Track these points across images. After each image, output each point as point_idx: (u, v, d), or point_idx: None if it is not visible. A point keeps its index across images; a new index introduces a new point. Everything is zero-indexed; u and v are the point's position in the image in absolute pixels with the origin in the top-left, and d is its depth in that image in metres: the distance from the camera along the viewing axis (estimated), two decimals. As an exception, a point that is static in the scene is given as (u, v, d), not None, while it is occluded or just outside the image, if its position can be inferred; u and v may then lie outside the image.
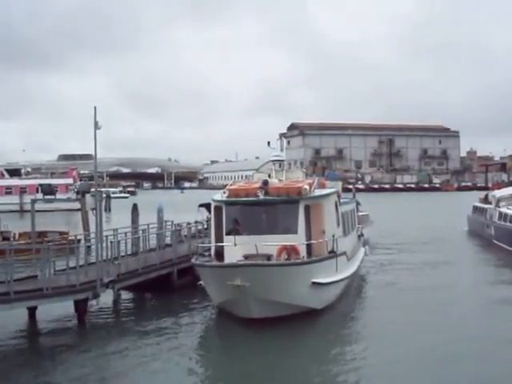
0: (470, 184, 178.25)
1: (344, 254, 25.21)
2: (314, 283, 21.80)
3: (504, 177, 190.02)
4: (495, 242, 44.07)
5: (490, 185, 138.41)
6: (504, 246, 41.59)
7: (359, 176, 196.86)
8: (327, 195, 24.90)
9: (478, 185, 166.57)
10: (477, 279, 31.52)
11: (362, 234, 34.90)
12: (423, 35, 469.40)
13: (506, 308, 24.80)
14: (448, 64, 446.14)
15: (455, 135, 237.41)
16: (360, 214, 41.02)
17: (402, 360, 17.67)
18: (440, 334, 20.49)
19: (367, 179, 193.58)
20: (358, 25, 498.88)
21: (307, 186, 23.78)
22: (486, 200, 52.92)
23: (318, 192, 24.52)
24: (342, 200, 28.21)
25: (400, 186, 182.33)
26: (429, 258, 37.86)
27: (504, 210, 43.76)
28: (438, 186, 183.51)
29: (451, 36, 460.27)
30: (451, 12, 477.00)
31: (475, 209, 54.58)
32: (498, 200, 46.52)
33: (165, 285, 26.96)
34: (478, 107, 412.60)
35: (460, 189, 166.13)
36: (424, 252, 41.27)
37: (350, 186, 67.35)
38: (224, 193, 24.27)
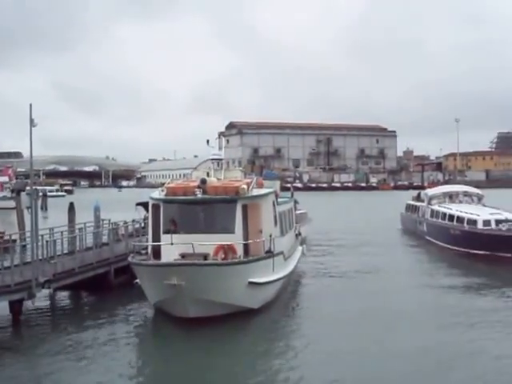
0: (406, 183, 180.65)
1: (281, 253, 25.30)
2: (250, 283, 21.89)
3: (440, 176, 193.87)
4: (427, 238, 46.42)
5: (425, 184, 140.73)
6: (436, 241, 43.97)
7: (297, 175, 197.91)
8: (265, 195, 24.97)
9: (415, 184, 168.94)
10: (412, 278, 32.19)
11: (299, 233, 35.07)
12: (361, 34, 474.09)
13: (432, 304, 25.66)
14: (386, 64, 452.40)
15: (392, 135, 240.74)
16: (298, 212, 41.35)
17: (337, 357, 17.91)
18: (376, 330, 20.88)
19: (305, 178, 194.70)
20: (298, 25, 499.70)
21: (245, 186, 23.81)
22: (418, 198, 54.82)
23: (255, 191, 24.56)
24: (279, 199, 28.29)
25: (337, 184, 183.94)
26: (364, 257, 38.84)
27: (436, 207, 46.56)
28: (374, 185, 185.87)
29: (389, 36, 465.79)
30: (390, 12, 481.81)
31: (408, 207, 56.53)
32: (430, 198, 49.38)
33: (102, 284, 26.74)
34: (415, 107, 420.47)
35: (396, 188, 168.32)
36: (360, 250, 42.02)
37: (288, 185, 67.83)
38: (162, 191, 24.22)
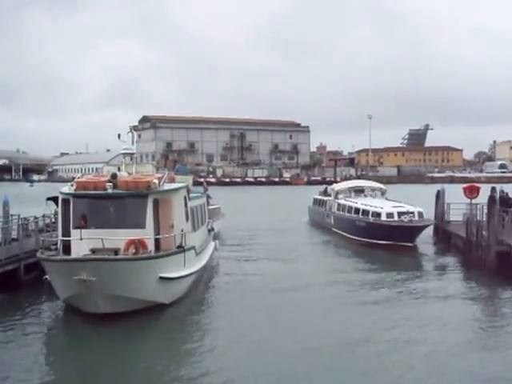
0: (319, 178, 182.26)
1: (193, 248, 25.40)
2: (161, 278, 21.90)
3: (352, 171, 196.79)
4: (334, 230, 49.09)
5: (338, 179, 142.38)
6: (342, 233, 46.78)
7: (211, 169, 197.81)
8: (176, 189, 24.99)
9: (327, 179, 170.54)
10: (322, 267, 33.82)
11: (212, 229, 35.19)
12: (282, 31, 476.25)
13: (342, 294, 26.54)
14: (302, 61, 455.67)
15: (305, 130, 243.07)
16: (211, 207, 41.49)
17: (249, 352, 18.12)
18: (287, 325, 21.18)
19: (219, 173, 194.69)
20: (217, 18, 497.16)
21: (156, 180, 23.78)
22: (325, 193, 57.74)
23: (167, 186, 24.57)
24: (191, 194, 28.34)
25: (251, 179, 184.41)
26: (275, 250, 39.68)
27: (342, 201, 49.32)
28: (288, 179, 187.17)
29: (309, 35, 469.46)
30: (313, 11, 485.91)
31: (315, 201, 59.49)
32: (337, 192, 52.18)
33: (11, 281, 26.07)
34: (329, 104, 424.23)
35: (310, 183, 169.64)
36: (271, 244, 42.69)
37: (202, 180, 67.75)
38: (72, 186, 23.86)
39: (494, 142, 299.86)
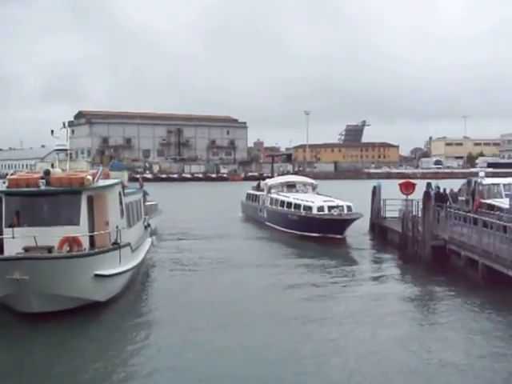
0: (256, 174, 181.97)
1: (128, 245, 25.01)
2: (96, 275, 21.51)
3: (289, 167, 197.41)
4: (267, 223, 50.85)
5: (275, 175, 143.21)
6: (275, 226, 48.49)
7: (147, 165, 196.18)
8: (111, 186, 24.65)
9: (265, 175, 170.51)
10: (257, 260, 34.81)
11: (148, 225, 34.87)
12: (222, 25, 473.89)
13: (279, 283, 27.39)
14: (241, 55, 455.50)
15: (243, 126, 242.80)
16: (148, 204, 41.26)
17: (186, 349, 17.97)
18: (223, 319, 21.19)
19: (155, 169, 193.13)
20: (157, 11, 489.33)
21: (90, 177, 23.39)
22: (258, 188, 59.16)
23: (101, 182, 24.25)
24: (127, 190, 28.09)
25: (188, 175, 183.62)
26: (211, 244, 41.02)
27: (275, 196, 51.08)
28: (225, 175, 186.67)
29: (248, 29, 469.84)
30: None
31: (248, 196, 60.84)
32: (270, 188, 53.89)
33: None
34: (266, 99, 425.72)
35: (247, 178, 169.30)
36: (207, 238, 43.60)
37: (138, 176, 67.12)
38: (4, 183, 23.36)
39: (430, 138, 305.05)
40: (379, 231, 43.30)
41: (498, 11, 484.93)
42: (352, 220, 42.47)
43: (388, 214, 43.82)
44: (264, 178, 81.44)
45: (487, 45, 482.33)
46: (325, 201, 45.11)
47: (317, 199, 46.30)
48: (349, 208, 43.25)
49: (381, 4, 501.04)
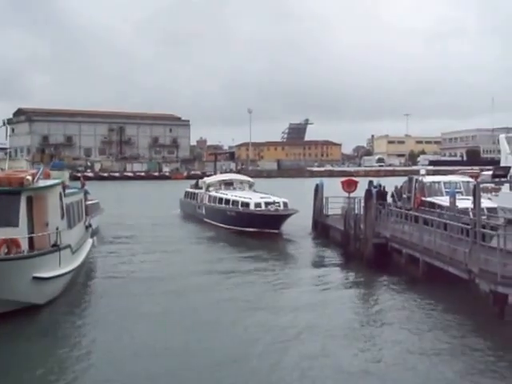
0: (199, 172, 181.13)
1: (68, 246, 24.58)
2: (35, 278, 21.07)
3: (232, 165, 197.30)
4: (206, 220, 52.42)
5: (218, 173, 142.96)
6: (214, 222, 49.96)
7: (89, 164, 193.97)
8: (51, 186, 24.18)
9: (208, 173, 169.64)
10: (198, 257, 36.21)
11: (90, 225, 34.43)
12: (166, 23, 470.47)
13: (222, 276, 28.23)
14: (185, 53, 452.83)
15: (186, 124, 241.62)
16: (89, 203, 40.77)
17: (127, 351, 17.79)
18: (169, 322, 21.04)
19: (97, 167, 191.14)
20: (102, 8, 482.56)
21: (30, 177, 22.92)
22: (196, 186, 61.00)
23: (41, 183, 23.83)
24: (68, 191, 27.61)
25: (130, 174, 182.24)
26: (152, 242, 41.15)
27: (213, 193, 52.93)
28: (167, 174, 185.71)
29: (191, 28, 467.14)
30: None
31: (187, 194, 62.81)
32: (208, 185, 55.72)
33: None
34: (210, 97, 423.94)
35: (190, 177, 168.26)
36: (148, 237, 44.01)
37: (79, 175, 66.37)
38: None
39: (372, 136, 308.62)
40: (322, 229, 43.58)
41: (444, 11, 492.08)
42: (288, 215, 44.16)
43: (330, 212, 44.16)
44: (207, 177, 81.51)
45: (431, 44, 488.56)
46: (262, 197, 47.08)
47: (254, 196, 48.33)
48: (285, 204, 44.95)
49: (326, 3, 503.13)
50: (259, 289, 26.50)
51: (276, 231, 43.41)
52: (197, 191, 58.27)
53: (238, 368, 16.56)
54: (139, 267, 31.49)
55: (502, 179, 31.95)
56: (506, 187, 41.37)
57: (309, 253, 37.37)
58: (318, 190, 45.86)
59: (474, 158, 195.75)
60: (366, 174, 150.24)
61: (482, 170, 78.26)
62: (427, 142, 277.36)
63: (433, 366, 16.49)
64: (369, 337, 19.40)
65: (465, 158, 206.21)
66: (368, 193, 33.35)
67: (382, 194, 37.79)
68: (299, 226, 45.22)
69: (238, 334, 19.65)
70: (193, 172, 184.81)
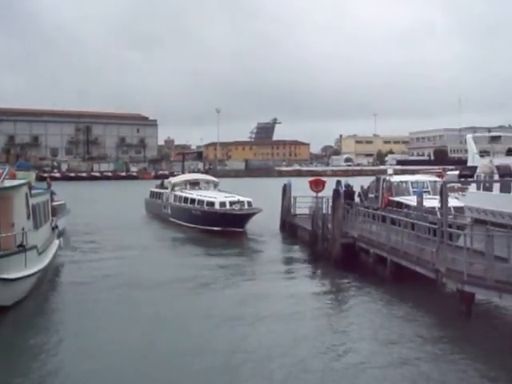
0: (167, 172, 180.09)
1: (35, 247, 24.35)
2: (1, 279, 20.85)
3: (200, 165, 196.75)
4: (171, 219, 52.94)
5: (186, 173, 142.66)
6: (178, 221, 50.90)
7: (55, 164, 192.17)
8: (16, 187, 23.97)
9: (175, 173, 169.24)
10: (164, 256, 36.93)
11: (56, 226, 34.13)
12: (135, 23, 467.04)
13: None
14: (155, 52, 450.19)
15: (153, 124, 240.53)
16: (56, 204, 40.54)
17: (93, 352, 17.68)
18: (133, 323, 20.92)
19: (64, 167, 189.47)
20: (70, 7, 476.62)
21: (-5, 177, 22.71)
22: (162, 186, 61.32)
23: (7, 183, 23.57)
24: (34, 191, 27.33)
25: (97, 174, 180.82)
26: (119, 242, 41.12)
27: (178, 193, 53.68)
28: (135, 174, 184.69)
29: (160, 28, 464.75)
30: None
31: (152, 194, 63.09)
32: (174, 185, 56.46)
33: None
34: (177, 97, 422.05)
35: (157, 177, 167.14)
36: (115, 237, 43.80)
37: (46, 175, 65.88)
38: None
39: (340, 136, 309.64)
40: (290, 229, 43.63)
41: (415, 11, 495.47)
42: (252, 214, 45.00)
43: (298, 212, 44.27)
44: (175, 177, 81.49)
45: (400, 44, 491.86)
46: (226, 197, 47.79)
47: (219, 195, 49.16)
48: (249, 203, 45.75)
49: (292, 2, 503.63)
50: (225, 289, 26.55)
51: (241, 230, 44.15)
52: (162, 191, 58.78)
53: (200, 367, 16.53)
54: (105, 268, 31.25)
55: (469, 179, 32.23)
56: (472, 187, 41.88)
57: (276, 252, 37.38)
58: (285, 189, 46.03)
59: (441, 157, 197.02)
60: (334, 173, 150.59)
61: (444, 170, 79.22)
62: (395, 142, 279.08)
63: (400, 365, 16.58)
64: (336, 336, 19.47)
65: (432, 158, 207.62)
66: (336, 192, 33.42)
67: (349, 193, 37.90)
68: (267, 225, 45.53)
69: (201, 332, 19.68)
70: (160, 172, 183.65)
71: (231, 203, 45.51)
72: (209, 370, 16.26)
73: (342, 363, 16.89)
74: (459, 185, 44.44)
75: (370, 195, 41.50)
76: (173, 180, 58.94)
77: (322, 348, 18.18)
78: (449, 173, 73.83)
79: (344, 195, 34.18)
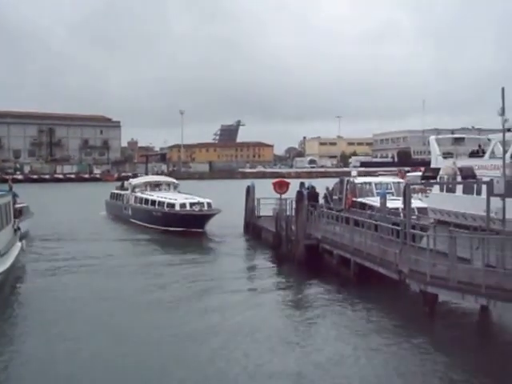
0: (130, 174, 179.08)
1: (-5, 250, 24.09)
2: None
3: (164, 167, 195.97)
4: (132, 220, 53.87)
5: (150, 174, 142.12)
6: (139, 222, 51.72)
7: (18, 166, 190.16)
8: (-23, 189, 23.65)
9: (139, 175, 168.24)
10: (127, 257, 36.79)
11: (18, 228, 33.73)
12: (100, 25, 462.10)
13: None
14: (119, 54, 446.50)
15: (116, 125, 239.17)
16: (18, 206, 40.20)
17: (52, 357, 17.51)
18: (96, 325, 20.81)
19: (26, 169, 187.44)
20: (35, 8, 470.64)
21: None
22: (122, 187, 61.89)
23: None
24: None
25: (60, 176, 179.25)
26: (81, 244, 41.32)
27: (139, 194, 54.53)
28: (98, 176, 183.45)
29: (125, 30, 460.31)
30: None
31: (112, 195, 63.50)
32: (134, 187, 57.12)
33: None
34: (141, 99, 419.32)
35: (121, 179, 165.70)
36: (77, 239, 43.86)
37: (8, 177, 65.23)
38: None
39: (304, 138, 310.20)
40: (253, 230, 43.65)
41: (381, 12, 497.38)
42: (211, 215, 46.22)
43: (262, 213, 44.28)
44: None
45: (365, 46, 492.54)
46: (186, 198, 49.19)
47: (179, 197, 50.44)
48: (208, 204, 47.01)
49: (262, 3, 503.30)
50: (186, 291, 26.41)
51: (201, 230, 45.18)
52: (122, 192, 59.46)
53: (163, 371, 16.48)
54: (68, 270, 31.12)
55: (432, 180, 32.46)
56: (436, 188, 42.23)
57: (240, 254, 37.31)
58: (249, 191, 46.07)
59: (405, 159, 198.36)
60: (298, 175, 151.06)
61: (401, 171, 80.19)
62: (359, 144, 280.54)
63: (364, 366, 16.65)
64: (299, 338, 19.45)
65: (396, 160, 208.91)
66: (299, 194, 33.48)
67: (313, 195, 37.98)
68: (231, 227, 45.56)
69: (162, 336, 19.54)
70: (124, 174, 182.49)
71: (191, 204, 46.79)
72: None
73: (304, 365, 16.84)
74: (422, 186, 44.78)
75: (334, 197, 41.62)
76: (133, 182, 59.80)
77: (283, 349, 18.17)
78: (409, 174, 74.70)
79: (308, 197, 34.22)
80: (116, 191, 62.87)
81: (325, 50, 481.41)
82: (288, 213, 36.18)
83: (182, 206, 47.02)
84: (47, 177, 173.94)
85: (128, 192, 57.43)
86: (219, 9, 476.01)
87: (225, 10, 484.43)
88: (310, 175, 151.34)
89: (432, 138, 48.90)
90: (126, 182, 62.89)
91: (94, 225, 53.28)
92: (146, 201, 51.78)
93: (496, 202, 28.43)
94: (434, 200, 41.44)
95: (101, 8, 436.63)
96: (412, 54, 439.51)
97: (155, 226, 48.18)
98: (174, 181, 59.97)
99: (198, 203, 46.88)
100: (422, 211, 34.48)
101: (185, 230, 44.66)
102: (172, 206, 47.68)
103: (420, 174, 47.17)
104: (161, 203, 49.14)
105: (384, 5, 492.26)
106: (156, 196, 51.80)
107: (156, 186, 57.91)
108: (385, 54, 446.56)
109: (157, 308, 23.41)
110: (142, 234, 47.05)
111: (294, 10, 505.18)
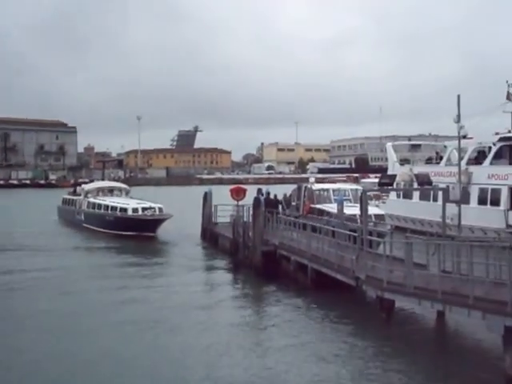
0: (87, 180, 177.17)
1: None
2: None
3: (121, 173, 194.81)
4: (85, 225, 54.76)
5: (107, 180, 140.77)
6: (92, 227, 52.79)
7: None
8: None
9: (95, 181, 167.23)
10: (80, 260, 37.77)
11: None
12: (58, 28, 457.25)
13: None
14: (74, 57, 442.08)
15: (72, 131, 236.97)
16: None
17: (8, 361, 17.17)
18: (51, 331, 20.57)
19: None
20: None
21: None
22: (74, 193, 63.63)
23: None
24: None
25: (15, 182, 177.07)
26: (35, 249, 41.29)
27: (92, 199, 55.83)
28: (54, 182, 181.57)
29: (82, 32, 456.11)
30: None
31: (65, 200, 64.72)
32: (87, 192, 58.53)
33: None
34: (98, 103, 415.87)
35: (77, 185, 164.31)
36: (30, 245, 43.29)
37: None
38: None
39: (262, 144, 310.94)
40: (210, 237, 43.39)
41: (343, 18, 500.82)
42: (163, 220, 47.52)
43: (219, 220, 44.01)
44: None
45: (325, 53, 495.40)
46: (138, 203, 50.40)
47: (131, 202, 51.72)
48: (160, 209, 48.46)
49: (222, 9, 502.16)
50: (142, 297, 26.15)
51: (152, 234, 46.80)
52: (75, 198, 60.60)
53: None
54: (20, 277, 30.65)
55: (388, 187, 32.52)
56: (393, 195, 42.46)
57: (197, 261, 36.97)
58: (206, 197, 45.89)
59: (362, 165, 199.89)
60: (256, 181, 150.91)
61: (349, 177, 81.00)
62: (317, 150, 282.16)
63: (320, 372, 16.48)
64: (256, 345, 19.24)
65: (353, 166, 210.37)
66: (256, 200, 33.34)
67: (270, 201, 37.86)
68: (188, 234, 45.84)
69: (117, 345, 19.29)
70: (80, 180, 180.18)
71: (143, 209, 48.19)
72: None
73: (254, 374, 16.61)
74: (378, 193, 44.98)
75: (292, 203, 41.55)
76: (86, 187, 60.97)
77: (238, 357, 17.98)
78: (363, 180, 75.34)
79: (265, 203, 34.09)
80: (68, 196, 64.02)
81: (284, 57, 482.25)
82: (245, 219, 36.01)
83: (135, 210, 48.29)
84: (1, 183, 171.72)
85: (81, 197, 58.44)
86: (178, 14, 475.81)
87: (184, 16, 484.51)
88: (267, 181, 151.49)
89: (389, 144, 49.29)
90: (78, 188, 64.14)
91: (47, 230, 53.43)
92: (99, 206, 52.89)
93: (452, 209, 28.62)
94: (390, 206, 41.65)
95: (60, 13, 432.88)
96: (372, 61, 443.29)
97: (108, 230, 49.10)
98: (126, 186, 61.91)
99: (150, 208, 48.33)
100: (379, 218, 34.54)
101: (137, 234, 45.97)
102: (125, 210, 48.81)
103: (375, 180, 47.52)
104: (113, 208, 50.34)
105: (346, 11, 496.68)
106: (109, 201, 53.05)
107: (109, 191, 59.38)
108: (345, 60, 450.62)
109: (103, 329, 22.05)
110: (94, 239, 47.75)
111: (255, 16, 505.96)
